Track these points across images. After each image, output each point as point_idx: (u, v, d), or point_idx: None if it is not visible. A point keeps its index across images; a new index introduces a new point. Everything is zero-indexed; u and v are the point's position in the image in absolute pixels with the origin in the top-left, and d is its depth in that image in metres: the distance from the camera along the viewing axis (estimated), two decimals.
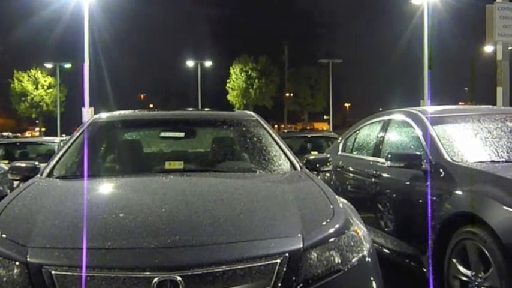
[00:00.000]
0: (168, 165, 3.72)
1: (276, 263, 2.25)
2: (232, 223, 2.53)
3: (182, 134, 4.30)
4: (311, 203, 2.87)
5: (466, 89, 49.82)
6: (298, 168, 3.63)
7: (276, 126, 50.46)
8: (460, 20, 31.29)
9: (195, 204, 2.79)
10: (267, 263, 2.24)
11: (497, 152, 4.06)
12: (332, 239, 2.45)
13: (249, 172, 3.67)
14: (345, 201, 3.04)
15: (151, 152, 4.73)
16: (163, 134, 4.36)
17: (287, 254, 2.28)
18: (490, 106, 6.01)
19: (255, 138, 4.04)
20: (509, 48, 8.67)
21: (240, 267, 2.21)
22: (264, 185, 3.36)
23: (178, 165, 3.69)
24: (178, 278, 2.15)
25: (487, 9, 8.34)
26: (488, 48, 27.31)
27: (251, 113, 4.53)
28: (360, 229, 2.62)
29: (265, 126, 4.15)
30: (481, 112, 4.86)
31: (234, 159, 4.13)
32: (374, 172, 4.97)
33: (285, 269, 2.25)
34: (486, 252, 3.28)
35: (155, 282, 2.14)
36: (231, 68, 46.89)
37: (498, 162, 3.93)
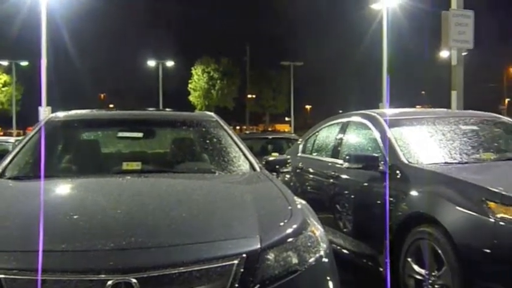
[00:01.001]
0: (125, 165, 3.66)
1: (233, 264, 2.24)
2: (189, 224, 2.51)
3: (140, 134, 4.23)
4: (269, 204, 2.88)
5: (423, 92, 51.11)
6: (258, 169, 3.64)
7: (237, 127, 50.49)
8: (418, 25, 32.11)
9: (151, 206, 2.76)
10: (224, 264, 2.23)
11: (451, 154, 4.18)
12: (289, 240, 2.46)
13: (207, 173, 3.65)
14: (303, 202, 3.06)
15: (109, 153, 4.64)
16: (120, 134, 4.28)
17: (244, 255, 2.27)
18: (445, 109, 6.18)
19: (215, 139, 4.03)
20: (463, 54, 8.92)
21: (196, 268, 2.19)
22: (223, 186, 3.35)
23: (136, 166, 3.64)
24: (133, 280, 2.11)
25: (442, 16, 8.56)
26: (443, 54, 28.14)
27: (211, 113, 4.52)
28: (317, 230, 2.64)
29: (225, 127, 4.14)
30: (436, 115, 4.99)
31: (193, 160, 4.11)
32: (333, 173, 5.03)
33: (242, 270, 2.24)
34: (439, 252, 3.37)
35: (109, 284, 2.09)
36: (192, 68, 46.63)
37: (451, 163, 4.04)
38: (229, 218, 2.61)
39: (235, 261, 2.24)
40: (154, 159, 4.34)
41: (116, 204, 2.73)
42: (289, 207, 2.74)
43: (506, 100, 55.51)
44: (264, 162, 3.90)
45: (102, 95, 68.50)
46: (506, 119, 5.24)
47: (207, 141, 4.09)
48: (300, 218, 2.63)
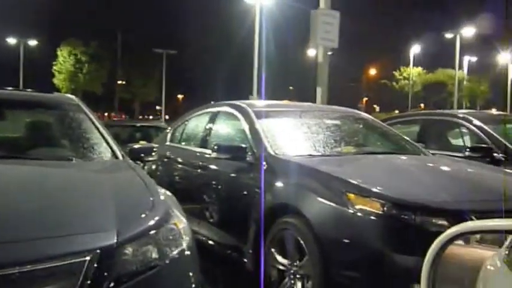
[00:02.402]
0: None
1: (85, 261, 2.04)
2: (37, 218, 2.25)
3: None
4: (130, 195, 2.71)
5: (291, 87, 53.25)
6: (120, 158, 3.42)
7: (106, 114, 48.42)
8: (290, 22, 33.23)
9: None
10: (74, 261, 2.02)
11: (315, 147, 4.30)
12: (150, 233, 2.31)
13: (64, 160, 3.34)
14: (168, 192, 2.93)
15: None
16: None
17: (98, 251, 2.08)
18: (311, 103, 6.40)
19: (74, 124, 3.72)
20: (329, 53, 9.34)
21: (41, 267, 1.96)
22: (79, 175, 3.09)
23: None
24: None
25: (311, 14, 8.87)
26: (311, 51, 29.50)
27: (71, 96, 4.18)
28: (180, 222, 2.52)
29: (87, 111, 3.84)
30: (302, 109, 5.13)
31: (48, 146, 3.75)
32: (201, 163, 4.94)
33: (95, 267, 2.05)
34: (301, 242, 3.43)
35: None
36: (58, 49, 43.76)
37: (315, 156, 4.16)
38: (84, 210, 2.39)
39: (87, 258, 2.04)
40: (3, 144, 3.90)
41: None
42: (151, 198, 2.59)
43: (365, 99, 60.03)
44: (128, 150, 3.68)
45: None
46: (365, 115, 5.56)
47: (66, 125, 3.77)
48: (162, 209, 2.50)
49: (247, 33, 26.99)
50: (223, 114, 5.21)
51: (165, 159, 5.69)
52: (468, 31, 38.71)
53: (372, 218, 3.18)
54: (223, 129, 5.20)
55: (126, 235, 2.21)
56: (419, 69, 55.58)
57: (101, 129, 3.66)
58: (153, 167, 5.71)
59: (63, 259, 2.01)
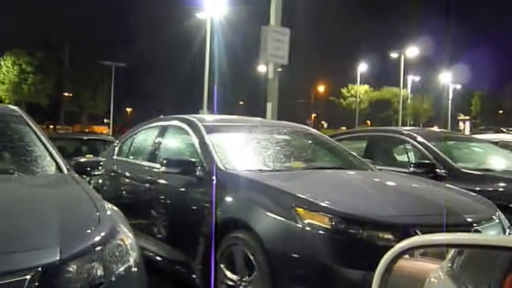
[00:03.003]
0: None
1: (25, 279, 1.95)
2: None
3: None
4: (74, 210, 2.62)
5: (241, 102, 53.48)
6: (65, 171, 3.31)
7: (51, 126, 46.97)
8: (241, 37, 33.47)
9: None
10: (13, 280, 1.93)
11: (265, 162, 4.32)
12: (96, 249, 2.24)
13: (5, 174, 3.20)
14: (114, 207, 2.85)
15: None
16: None
17: (40, 269, 1.99)
18: (261, 118, 6.44)
19: (16, 136, 3.58)
20: (278, 69, 9.44)
21: None
22: (22, 190, 2.97)
23: None
24: None
25: (262, 31, 8.96)
26: (262, 67, 29.76)
27: (14, 107, 4.03)
28: (127, 238, 2.46)
29: (30, 123, 3.71)
30: (252, 124, 5.15)
31: None
32: (149, 178, 4.86)
33: (36, 286, 1.96)
34: (251, 257, 3.42)
35: None
36: (1, 59, 42.24)
37: (265, 171, 4.18)
38: (25, 226, 2.29)
39: (28, 276, 1.96)
40: None
41: None
42: (97, 214, 2.52)
43: (313, 115, 61.06)
44: (73, 164, 3.58)
45: None
46: (314, 130, 5.64)
47: (7, 138, 3.61)
48: (109, 225, 2.43)
49: (199, 47, 26.98)
50: (173, 128, 5.15)
51: (112, 173, 5.56)
52: (412, 51, 40.23)
53: (321, 232, 3.21)
54: (172, 143, 5.14)
55: (70, 252, 2.13)
56: (366, 87, 57.17)
57: (45, 141, 3.54)
58: (100, 181, 5.57)
59: (1, 278, 1.91)
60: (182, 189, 4.37)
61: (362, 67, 49.98)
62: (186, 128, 4.83)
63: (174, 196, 4.50)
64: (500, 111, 50.05)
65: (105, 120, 54.20)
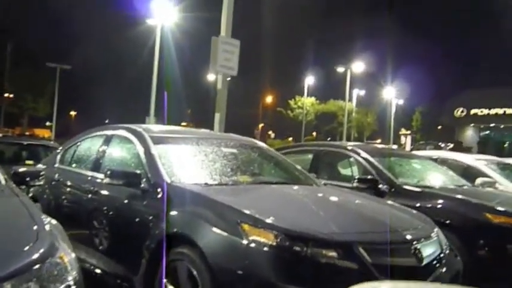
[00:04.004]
0: None
1: None
2: None
3: None
4: (11, 225, 2.51)
5: (189, 111, 53.09)
6: (3, 182, 3.19)
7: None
8: (192, 46, 33.29)
9: None
10: None
11: (212, 175, 4.30)
12: (33, 268, 2.15)
13: None
14: (54, 221, 2.75)
15: None
16: None
17: None
18: (208, 131, 6.41)
19: None
20: (228, 79, 9.44)
21: None
22: None
23: None
24: None
25: (212, 41, 8.94)
26: (211, 76, 29.70)
27: None
28: (66, 255, 2.38)
29: None
30: (200, 136, 5.12)
31: None
32: (92, 188, 4.73)
33: None
34: (195, 273, 3.38)
35: None
36: None
37: (212, 185, 4.15)
38: None
39: None
40: None
41: None
42: (35, 229, 2.42)
43: (261, 125, 61.46)
44: (11, 174, 3.44)
45: None
46: (261, 144, 5.67)
47: None
48: (47, 241, 2.34)
49: (148, 53, 26.62)
50: (118, 138, 5.05)
51: (54, 182, 5.38)
52: (358, 66, 41.31)
53: (266, 249, 3.22)
54: (117, 153, 5.04)
55: (5, 271, 2.04)
56: (313, 99, 58.11)
57: None
58: (40, 190, 5.37)
59: None
60: (126, 201, 4.28)
61: (309, 80, 50.78)
62: (131, 138, 4.75)
63: (118, 208, 4.40)
64: (439, 127, 52.10)
65: (48, 123, 52.47)
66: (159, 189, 4.00)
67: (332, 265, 3.23)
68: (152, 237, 3.78)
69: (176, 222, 3.72)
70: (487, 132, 45.77)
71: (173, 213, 3.77)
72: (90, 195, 4.73)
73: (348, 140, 47.23)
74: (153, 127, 5.38)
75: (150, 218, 3.90)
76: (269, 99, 62.60)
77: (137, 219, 4.04)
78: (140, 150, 4.50)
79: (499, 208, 5.47)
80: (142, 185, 4.13)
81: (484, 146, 37.86)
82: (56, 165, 5.73)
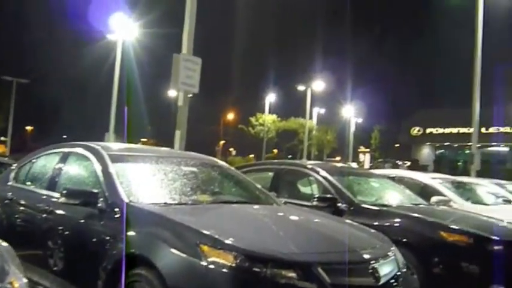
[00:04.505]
0: None
1: None
2: None
3: None
4: None
5: (149, 127, 52.51)
6: None
7: None
8: (153, 61, 33.07)
9: None
10: None
11: (171, 195, 4.25)
12: None
13: None
14: (4, 243, 2.66)
15: None
16: None
17: None
18: (169, 149, 6.36)
19: None
20: (189, 95, 9.41)
21: None
22: None
23: None
24: None
25: (173, 58, 8.91)
26: (172, 93, 29.50)
27: None
28: (17, 279, 2.30)
29: None
30: (159, 154, 5.07)
31: None
32: (47, 207, 4.59)
33: None
34: None
35: None
36: None
37: (171, 204, 4.10)
38: None
39: None
40: None
41: None
42: None
43: (221, 142, 61.41)
44: None
45: None
46: (222, 163, 5.65)
47: None
48: None
49: (109, 69, 26.28)
50: (75, 155, 4.94)
51: (7, 201, 5.20)
52: (318, 85, 41.93)
53: (225, 270, 3.19)
54: (74, 171, 4.92)
55: None
56: (274, 116, 58.49)
57: None
58: None
59: None
60: (82, 221, 4.18)
61: (271, 97, 51.16)
62: (89, 156, 4.66)
63: (74, 228, 4.28)
64: (397, 145, 53.29)
65: (2, 138, 50.90)
66: (116, 209, 3.93)
67: (291, 286, 3.23)
68: (109, 258, 3.70)
69: (134, 243, 3.65)
70: (442, 150, 47.19)
71: (131, 233, 3.70)
72: (45, 215, 4.59)
73: (309, 157, 47.66)
74: (112, 145, 5.30)
75: (107, 238, 3.81)
76: (230, 116, 62.69)
77: (94, 240, 3.95)
78: (98, 168, 4.42)
79: (453, 226, 5.62)
80: (99, 205, 4.04)
81: (439, 164, 39.02)
82: (10, 183, 5.54)
